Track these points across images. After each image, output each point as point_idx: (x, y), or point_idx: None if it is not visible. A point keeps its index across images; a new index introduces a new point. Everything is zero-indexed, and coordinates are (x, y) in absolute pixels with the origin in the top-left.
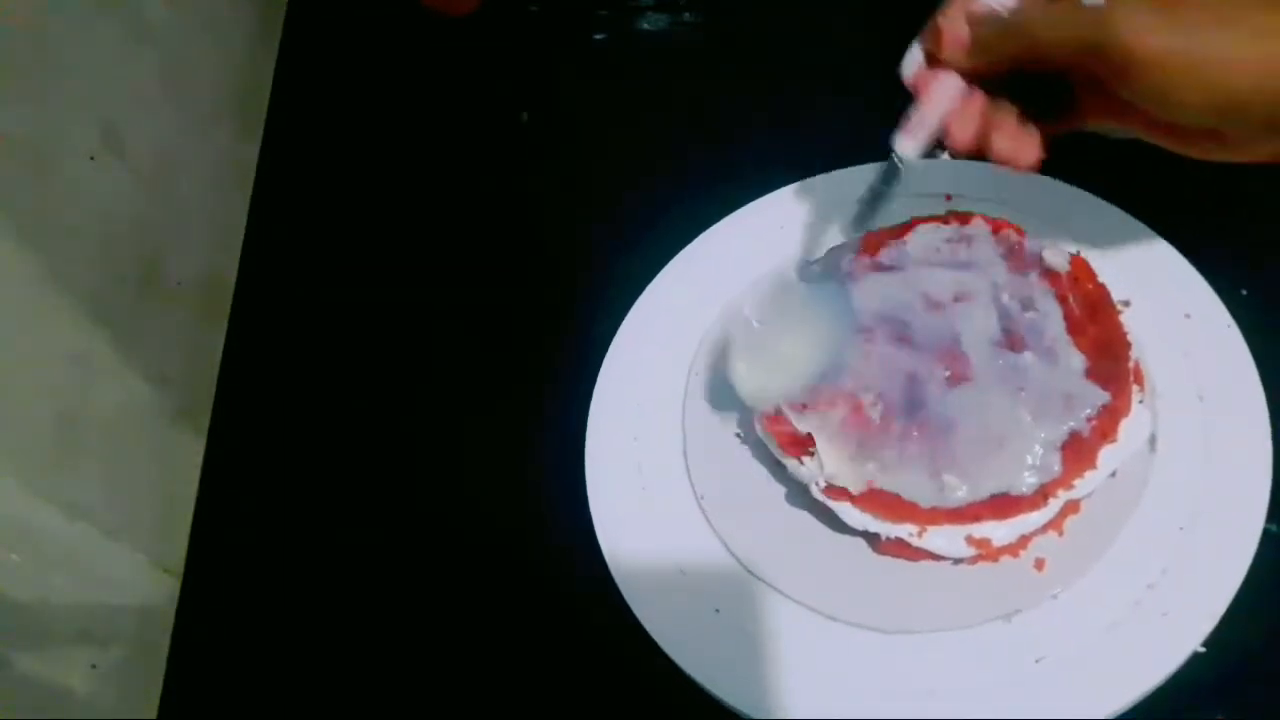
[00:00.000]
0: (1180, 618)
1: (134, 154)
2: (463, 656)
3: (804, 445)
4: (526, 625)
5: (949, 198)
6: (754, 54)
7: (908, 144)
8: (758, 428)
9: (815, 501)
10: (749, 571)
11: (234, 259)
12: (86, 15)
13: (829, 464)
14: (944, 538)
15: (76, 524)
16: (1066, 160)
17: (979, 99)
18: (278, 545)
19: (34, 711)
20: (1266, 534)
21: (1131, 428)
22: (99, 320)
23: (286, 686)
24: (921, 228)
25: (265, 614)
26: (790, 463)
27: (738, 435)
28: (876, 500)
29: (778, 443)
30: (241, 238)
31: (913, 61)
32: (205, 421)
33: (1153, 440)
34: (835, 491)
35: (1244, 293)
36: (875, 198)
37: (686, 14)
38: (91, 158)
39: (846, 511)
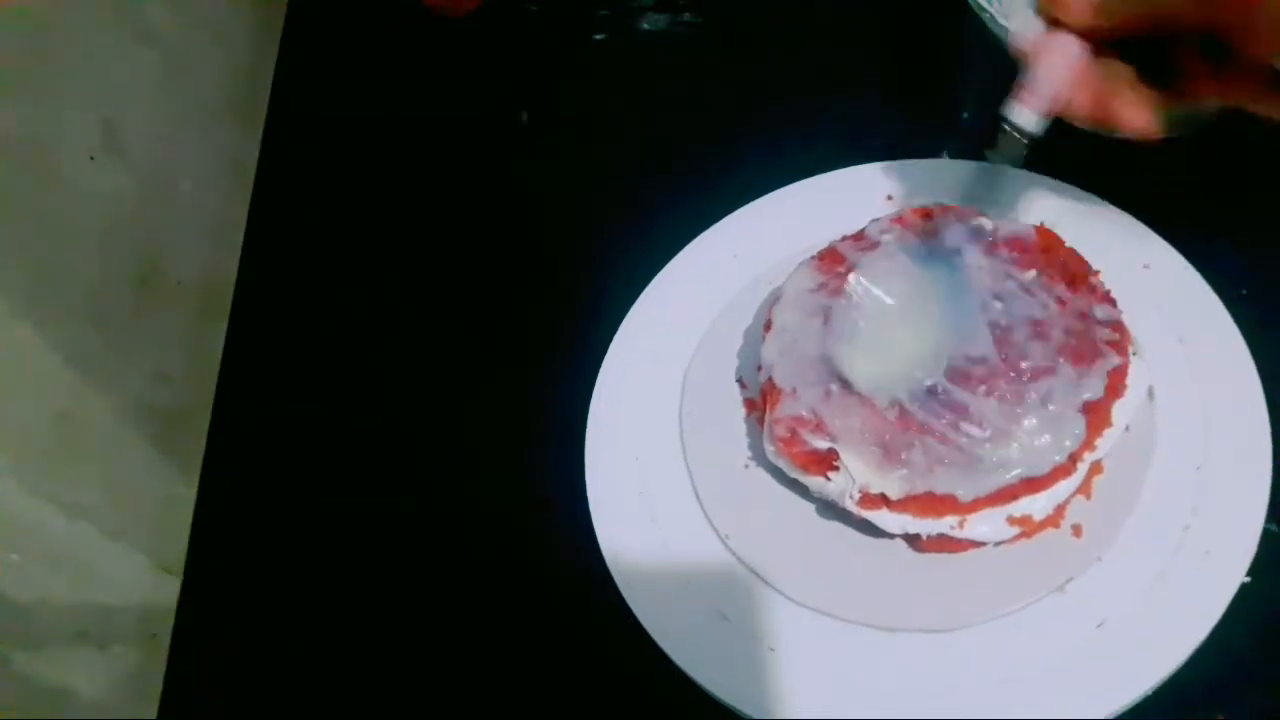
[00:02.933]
0: (1222, 552)
1: (134, 154)
2: (463, 656)
3: (826, 461)
4: (527, 625)
5: (890, 198)
6: (754, 54)
7: (1025, 113)
8: (769, 453)
9: (841, 513)
10: (787, 597)
11: (234, 259)
12: (86, 15)
13: (859, 474)
14: (986, 523)
15: (76, 524)
16: (1068, 162)
17: (1092, 65)
18: (278, 545)
19: (34, 711)
20: (1266, 534)
21: (1133, 380)
22: (99, 320)
23: (286, 686)
24: (884, 228)
25: (265, 614)
26: (814, 482)
27: (746, 456)
28: (911, 501)
29: (796, 464)
30: (241, 238)
31: (1027, 26)
32: (205, 421)
33: (1150, 390)
34: (870, 500)
35: (1244, 292)
36: (996, 175)
37: (686, 14)
38: (91, 158)
39: (883, 518)
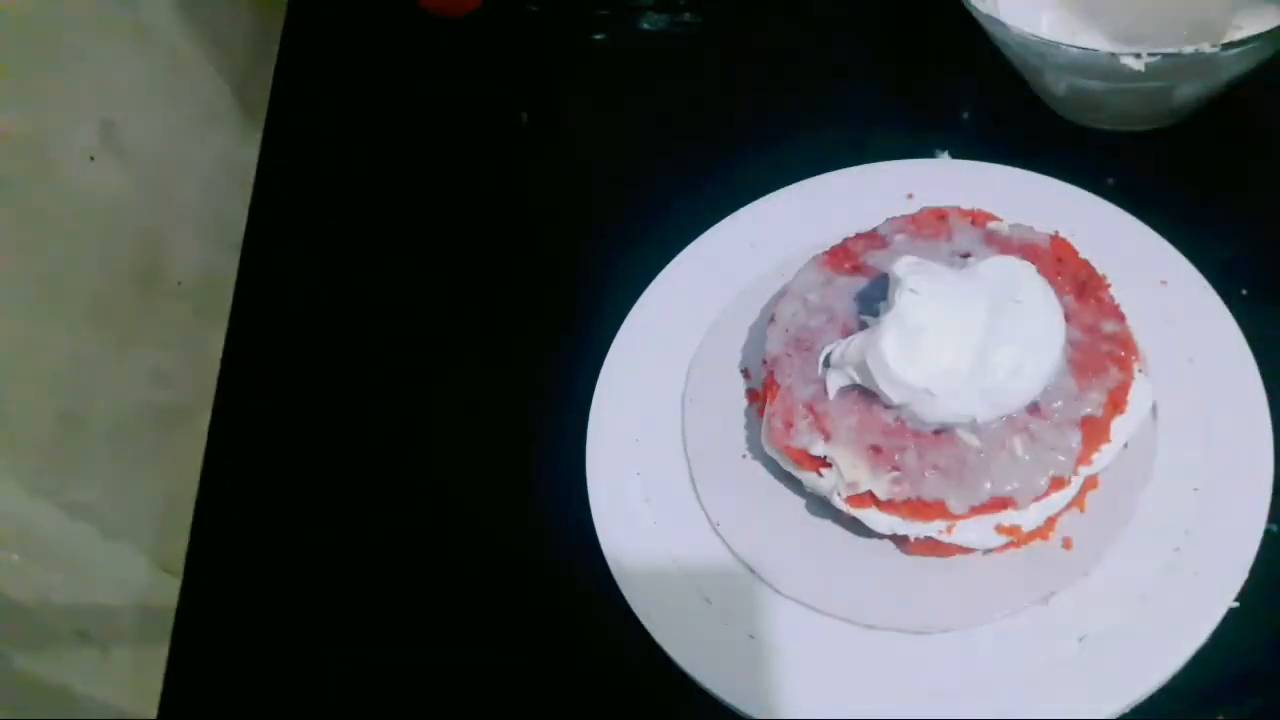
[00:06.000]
0: (1210, 576)
1: (134, 154)
2: (463, 656)
3: (819, 457)
4: (527, 625)
5: (911, 196)
6: (754, 54)
7: None
8: (765, 446)
9: (832, 510)
10: (770, 586)
11: (234, 259)
12: (86, 15)
13: (850, 473)
14: (974, 530)
15: (76, 524)
16: (1069, 162)
17: None
18: (278, 545)
19: (34, 711)
20: (1267, 534)
21: (1136, 397)
22: (99, 320)
23: (287, 686)
24: (898, 227)
25: (265, 614)
26: (807, 477)
27: (744, 446)
28: (901, 503)
29: (790, 458)
30: (241, 238)
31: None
32: (205, 421)
33: (1154, 408)
34: (858, 499)
35: (1244, 292)
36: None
37: (686, 14)
38: (91, 158)
39: (872, 518)
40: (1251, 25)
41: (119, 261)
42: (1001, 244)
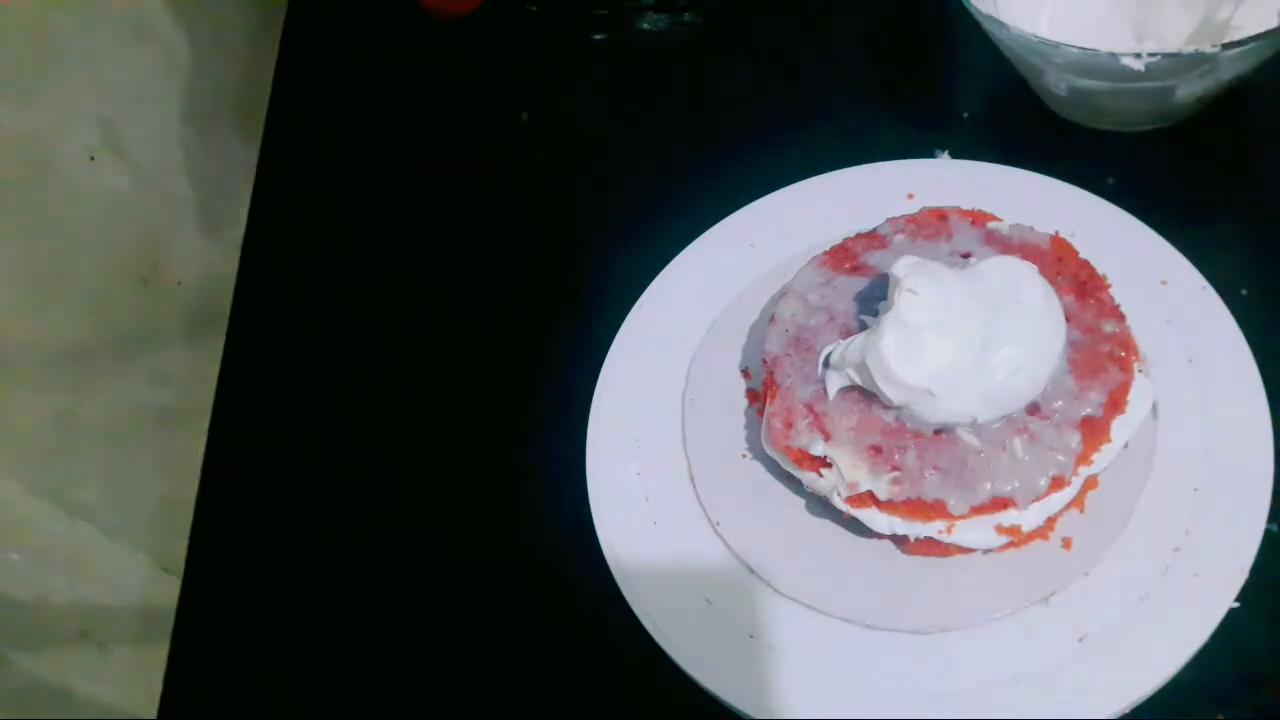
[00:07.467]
0: (1211, 576)
1: (134, 154)
2: (463, 656)
3: (819, 458)
4: (526, 625)
5: (911, 196)
6: (754, 54)
7: None
8: (765, 446)
9: (832, 510)
10: (770, 586)
11: (234, 259)
12: (86, 15)
13: (850, 473)
14: (974, 530)
15: (76, 524)
16: (1069, 162)
17: None
18: (278, 545)
19: (34, 711)
20: (1267, 534)
21: (1136, 397)
22: (99, 320)
23: (287, 687)
24: (898, 227)
25: (265, 614)
26: (807, 477)
27: (744, 446)
28: (901, 503)
29: (790, 458)
30: (241, 238)
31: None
32: (205, 421)
33: (1154, 408)
34: (858, 499)
35: (1244, 292)
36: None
37: (686, 14)
38: (91, 157)
39: (872, 518)
40: (1251, 25)
41: (119, 261)
42: (1002, 244)
